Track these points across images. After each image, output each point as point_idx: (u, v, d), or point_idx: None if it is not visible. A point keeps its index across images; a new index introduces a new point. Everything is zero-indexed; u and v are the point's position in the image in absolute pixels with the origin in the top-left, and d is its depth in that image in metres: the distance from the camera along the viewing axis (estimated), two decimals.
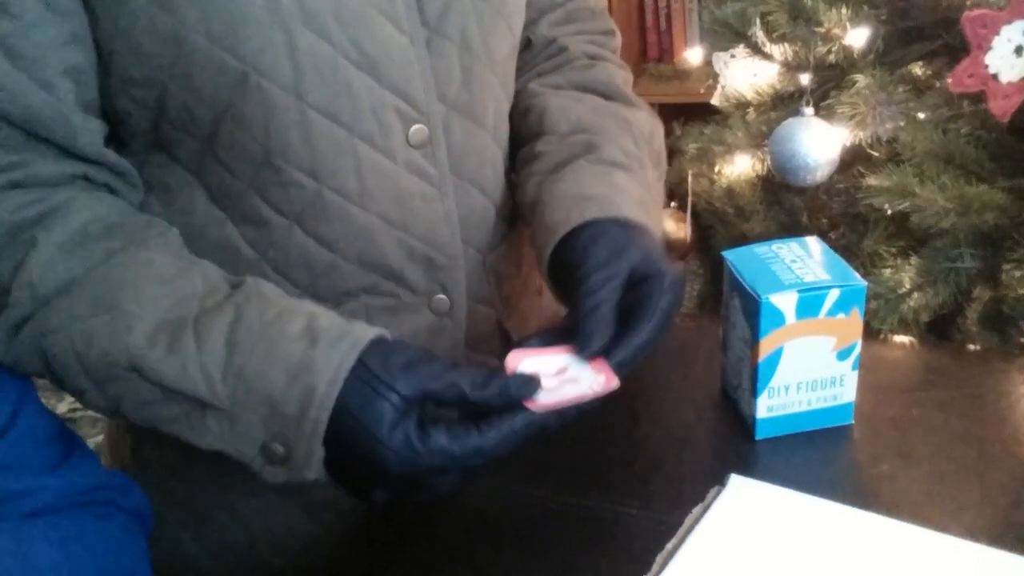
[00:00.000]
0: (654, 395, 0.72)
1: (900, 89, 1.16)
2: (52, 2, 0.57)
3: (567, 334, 0.60)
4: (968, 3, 1.09)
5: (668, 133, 1.47)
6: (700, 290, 1.64)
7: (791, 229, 1.31)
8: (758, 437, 0.65)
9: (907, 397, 0.69)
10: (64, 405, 1.92)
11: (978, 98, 1.08)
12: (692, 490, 0.59)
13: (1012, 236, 1.10)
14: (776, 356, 0.63)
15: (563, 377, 0.58)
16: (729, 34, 1.33)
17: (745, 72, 1.34)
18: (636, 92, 0.82)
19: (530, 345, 0.61)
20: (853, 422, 0.66)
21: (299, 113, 0.61)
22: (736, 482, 0.59)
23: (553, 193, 0.69)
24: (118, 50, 0.59)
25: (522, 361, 0.58)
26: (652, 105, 0.85)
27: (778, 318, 0.61)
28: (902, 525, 0.55)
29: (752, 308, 0.61)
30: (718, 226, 1.44)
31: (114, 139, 0.64)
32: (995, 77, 1.04)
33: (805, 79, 1.24)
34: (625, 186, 0.69)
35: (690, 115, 1.48)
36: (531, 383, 0.56)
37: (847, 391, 0.65)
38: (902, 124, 1.16)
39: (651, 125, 0.79)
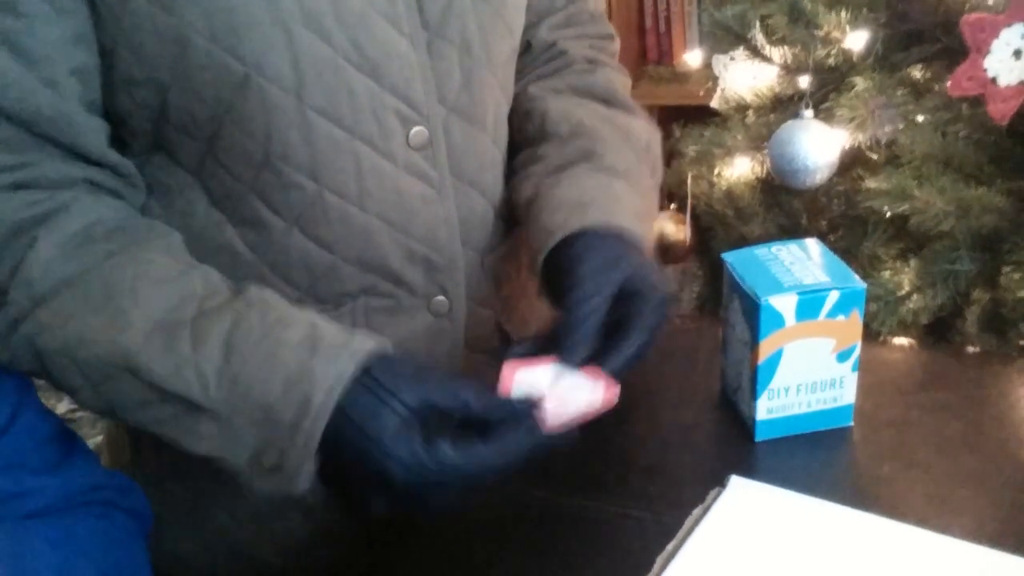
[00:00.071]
0: (654, 397, 0.72)
1: (899, 92, 1.16)
2: (57, 1, 0.57)
3: (555, 340, 0.61)
4: (967, 7, 1.09)
5: (668, 135, 1.48)
6: (699, 292, 1.64)
7: (791, 231, 1.31)
8: (758, 439, 0.65)
9: (906, 399, 0.69)
10: (64, 405, 1.92)
11: (977, 101, 1.08)
12: (692, 491, 0.59)
13: (1011, 239, 1.10)
14: (776, 358, 0.63)
15: (562, 389, 0.57)
16: (729, 37, 1.33)
17: (745, 75, 1.34)
18: (635, 94, 0.82)
19: (518, 352, 0.62)
20: (853, 424, 0.66)
21: (299, 114, 0.61)
22: (736, 483, 0.59)
23: (551, 196, 0.69)
24: (119, 50, 0.59)
25: (517, 372, 0.58)
26: (651, 107, 0.86)
27: (778, 320, 0.61)
28: (902, 526, 0.55)
29: (752, 310, 0.62)
30: (718, 228, 1.44)
31: (115, 140, 0.64)
32: (994, 80, 1.04)
33: (804, 82, 1.24)
34: (623, 196, 0.69)
35: (690, 117, 1.48)
36: (536, 399, 0.56)
37: (847, 393, 0.65)
38: (901, 127, 1.16)
39: (649, 133, 0.79)
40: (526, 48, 0.78)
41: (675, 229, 1.53)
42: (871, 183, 1.15)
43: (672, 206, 1.57)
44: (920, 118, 1.15)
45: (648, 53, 2.38)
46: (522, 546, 0.60)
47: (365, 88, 0.62)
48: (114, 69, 0.60)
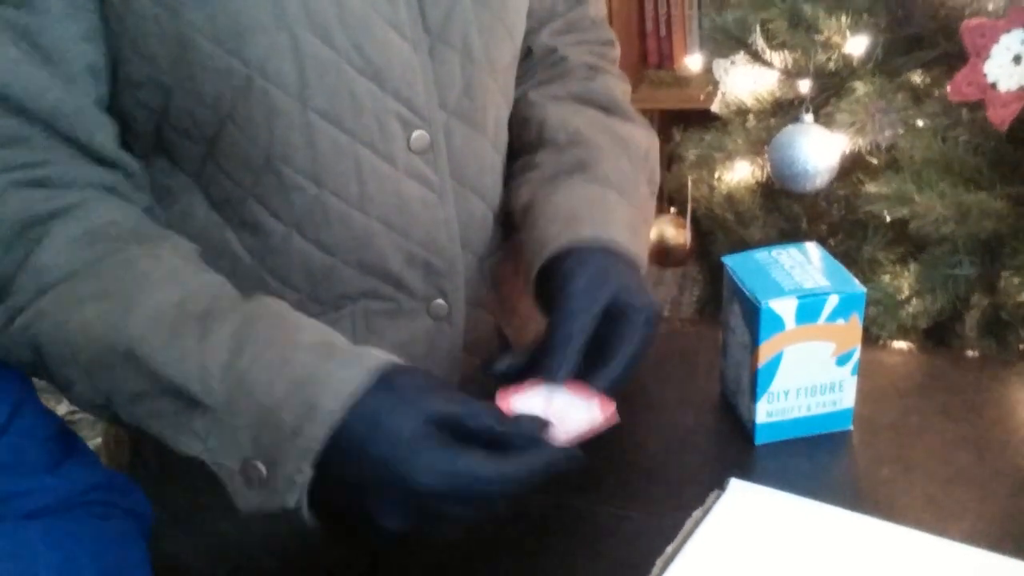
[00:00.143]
0: (654, 400, 0.72)
1: (899, 97, 1.16)
2: None
3: (538, 357, 0.62)
4: (967, 12, 1.09)
5: (668, 139, 1.48)
6: (700, 296, 1.64)
7: (791, 235, 1.32)
8: (758, 442, 0.65)
9: (906, 403, 0.69)
10: (64, 407, 1.92)
11: (977, 106, 1.08)
12: (692, 494, 0.60)
13: (1010, 243, 1.11)
14: (776, 361, 0.63)
15: (557, 409, 0.57)
16: (729, 41, 1.33)
17: (745, 79, 1.34)
18: (636, 98, 0.82)
19: (500, 368, 0.63)
20: (852, 427, 0.66)
21: (302, 117, 0.61)
22: (736, 486, 0.59)
23: (545, 207, 0.70)
24: (124, 51, 0.59)
25: (512, 399, 0.58)
26: (652, 111, 0.86)
27: (778, 324, 0.62)
28: (901, 529, 0.56)
29: (752, 313, 0.62)
30: (718, 232, 1.45)
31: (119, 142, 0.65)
32: (994, 86, 1.04)
33: (805, 86, 1.25)
34: (617, 209, 0.69)
35: (690, 121, 1.48)
36: (545, 423, 0.56)
37: (846, 396, 0.65)
38: (901, 132, 1.16)
39: (648, 141, 0.79)
40: (526, 54, 0.79)
41: (675, 233, 1.53)
42: (871, 187, 1.15)
43: (672, 210, 1.57)
44: (920, 123, 1.16)
45: (649, 57, 2.38)
46: (521, 548, 0.60)
47: (367, 92, 0.63)
48: (118, 70, 0.60)
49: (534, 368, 0.62)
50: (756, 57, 1.30)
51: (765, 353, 0.62)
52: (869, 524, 0.56)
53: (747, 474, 0.61)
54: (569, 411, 0.57)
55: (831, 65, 1.22)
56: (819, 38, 1.20)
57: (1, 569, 0.51)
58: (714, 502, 0.58)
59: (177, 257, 0.60)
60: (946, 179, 1.11)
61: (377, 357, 0.54)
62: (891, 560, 0.54)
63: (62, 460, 0.60)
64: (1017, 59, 1.03)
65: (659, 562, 0.54)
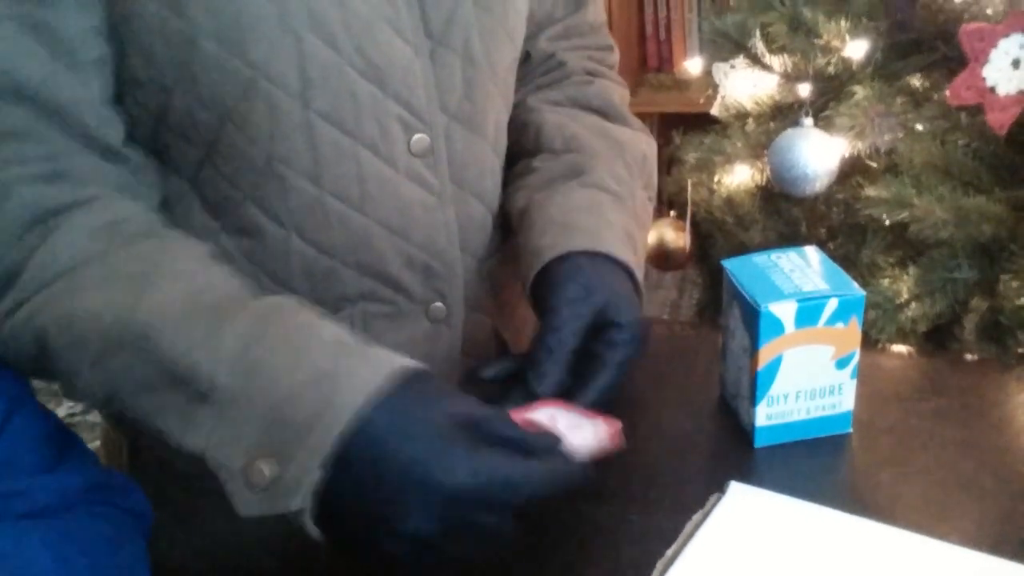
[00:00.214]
0: (654, 403, 0.72)
1: (898, 101, 1.16)
2: None
3: (526, 363, 0.62)
4: (966, 16, 1.10)
5: (668, 142, 1.48)
6: (699, 299, 1.64)
7: (790, 239, 1.32)
8: (757, 445, 0.66)
9: (905, 406, 0.69)
10: (63, 409, 1.92)
11: (976, 110, 1.08)
12: (691, 497, 0.60)
13: (1009, 247, 1.11)
14: (775, 365, 0.63)
15: (561, 430, 0.57)
16: (729, 45, 1.33)
17: (745, 83, 1.34)
18: (636, 102, 0.83)
19: (491, 372, 0.64)
20: (851, 430, 0.67)
21: (303, 119, 0.62)
22: (736, 489, 0.59)
23: (541, 214, 0.70)
24: (126, 51, 0.59)
25: (515, 418, 0.57)
26: (651, 115, 0.87)
27: (777, 327, 0.62)
28: (900, 532, 0.56)
29: (751, 317, 0.62)
30: (717, 235, 1.45)
31: None
32: (993, 90, 1.05)
33: (804, 90, 1.25)
34: (612, 215, 0.70)
35: (690, 125, 1.48)
36: (558, 437, 0.55)
37: (846, 400, 0.66)
38: (900, 135, 1.16)
39: (645, 145, 0.79)
40: (525, 58, 0.79)
41: (675, 236, 1.53)
42: (870, 191, 1.15)
43: (672, 213, 1.57)
44: (919, 127, 1.16)
45: (648, 60, 2.39)
46: (522, 552, 0.60)
47: (369, 94, 0.63)
48: (119, 69, 0.60)
49: (520, 377, 0.62)
50: (756, 61, 1.31)
51: (765, 356, 0.63)
52: (868, 527, 0.56)
53: (746, 477, 0.61)
54: (572, 432, 0.57)
55: (831, 69, 1.22)
56: (819, 42, 1.20)
57: None
58: (714, 505, 0.58)
59: (191, 251, 0.60)
60: (945, 183, 1.11)
61: (398, 357, 0.53)
62: (890, 563, 0.54)
63: (59, 459, 0.59)
64: (1016, 63, 1.04)
65: (659, 564, 0.54)
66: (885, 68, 1.20)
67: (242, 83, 0.60)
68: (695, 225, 1.49)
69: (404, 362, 0.52)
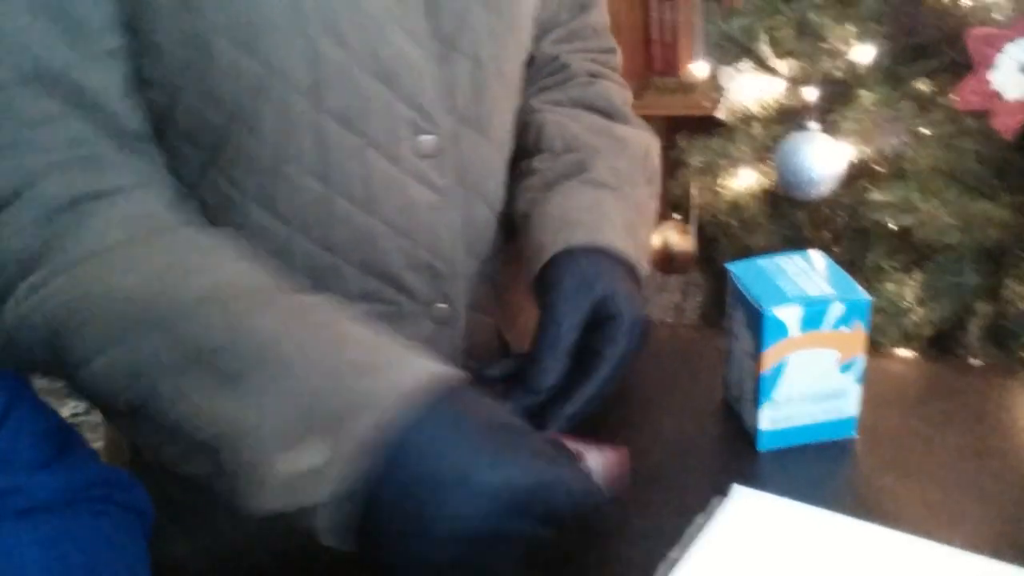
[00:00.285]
0: (657, 405, 0.72)
1: (905, 105, 1.17)
2: None
3: (527, 360, 0.62)
4: (973, 21, 1.10)
5: (673, 145, 1.48)
6: (702, 302, 1.65)
7: (795, 242, 1.32)
8: (761, 449, 0.65)
9: (909, 411, 0.69)
10: (67, 409, 1.92)
11: (983, 115, 1.08)
12: (694, 500, 0.60)
13: (1015, 252, 1.11)
14: (779, 368, 0.63)
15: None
16: (735, 48, 1.33)
17: (751, 86, 1.35)
18: (641, 104, 0.83)
19: (494, 372, 0.64)
20: (856, 435, 0.66)
21: (314, 118, 0.62)
22: (739, 492, 0.59)
23: (542, 213, 0.70)
24: (138, 49, 0.59)
25: None
26: (657, 117, 0.87)
27: (782, 331, 0.62)
28: (904, 537, 0.56)
29: (756, 320, 0.62)
30: (722, 239, 1.45)
31: None
32: (999, 95, 1.05)
33: (810, 94, 1.25)
34: (611, 210, 0.70)
35: (695, 128, 1.48)
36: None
37: (850, 404, 0.65)
38: (906, 140, 1.16)
39: (647, 143, 0.80)
40: (529, 61, 0.79)
41: (679, 239, 1.54)
42: (876, 195, 1.15)
43: (677, 216, 1.57)
44: (925, 131, 1.16)
45: (654, 64, 2.39)
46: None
47: (379, 95, 0.63)
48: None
49: (522, 376, 0.62)
50: (762, 65, 1.31)
51: (769, 360, 0.62)
52: (872, 531, 0.56)
53: (750, 481, 0.61)
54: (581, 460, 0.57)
55: (837, 73, 1.22)
56: (825, 46, 1.20)
57: None
58: (717, 508, 0.58)
59: (222, 244, 0.59)
60: (951, 188, 1.11)
61: (437, 361, 0.52)
62: (894, 567, 0.54)
63: (58, 456, 0.59)
64: (1023, 68, 1.04)
65: (662, 567, 0.54)
66: (891, 72, 1.20)
67: (253, 82, 0.60)
68: (700, 228, 1.50)
69: (444, 366, 0.52)
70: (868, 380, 0.65)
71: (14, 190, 0.56)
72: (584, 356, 0.63)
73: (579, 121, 0.78)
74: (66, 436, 0.61)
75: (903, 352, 1.12)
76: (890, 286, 1.16)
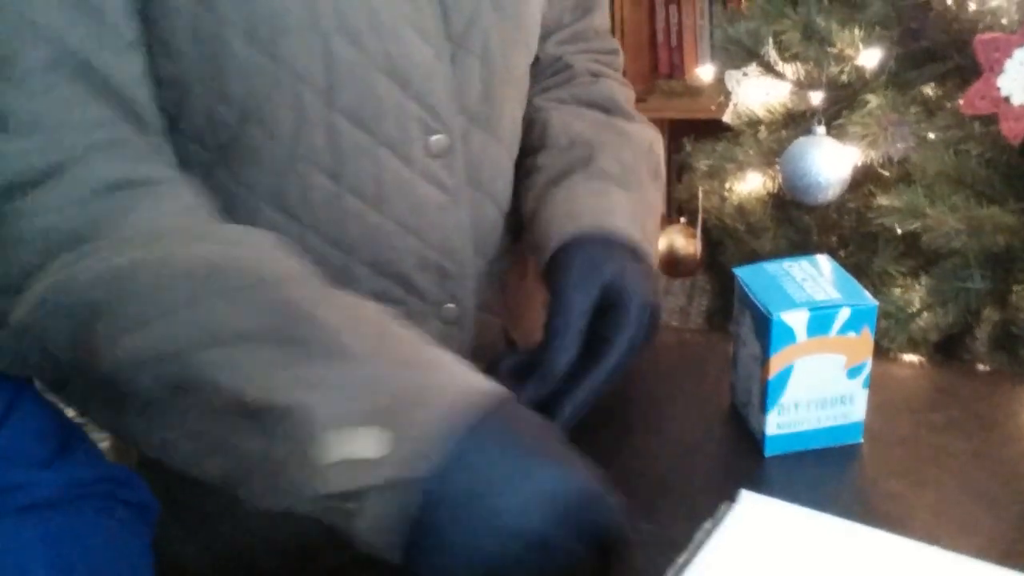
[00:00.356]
0: (663, 410, 0.72)
1: (912, 110, 1.16)
2: None
3: (540, 347, 0.63)
4: (981, 26, 1.09)
5: (678, 149, 1.48)
6: (708, 306, 1.64)
7: (801, 247, 1.32)
8: (767, 454, 0.65)
9: (916, 417, 0.69)
10: (72, 410, 1.92)
11: (990, 120, 1.08)
12: (701, 506, 0.59)
13: (1022, 257, 1.10)
14: (786, 373, 0.63)
15: None
16: (741, 52, 1.33)
17: (757, 90, 1.34)
18: (647, 108, 0.84)
19: (507, 365, 0.64)
20: (862, 441, 0.66)
21: (327, 117, 0.62)
22: (747, 498, 0.59)
23: (547, 207, 0.71)
24: (152, 46, 0.59)
25: None
26: (662, 121, 0.88)
27: (789, 336, 0.62)
28: (911, 543, 0.55)
29: (763, 325, 0.62)
30: (728, 243, 1.45)
31: None
32: (1007, 100, 1.04)
33: (817, 98, 1.25)
34: (617, 199, 0.71)
35: (701, 132, 1.48)
36: None
37: (857, 409, 0.65)
38: (913, 144, 1.16)
39: (651, 138, 0.80)
40: (533, 61, 0.80)
41: (685, 243, 1.53)
42: (883, 200, 1.15)
43: (683, 220, 1.57)
44: (932, 136, 1.16)
45: (659, 67, 2.39)
46: None
47: (391, 95, 0.64)
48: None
49: (537, 362, 0.63)
50: (768, 68, 1.31)
51: (776, 365, 0.62)
52: (879, 537, 0.56)
53: (756, 486, 0.61)
54: None
55: (844, 77, 1.22)
56: (832, 50, 1.20)
57: None
58: (725, 513, 0.58)
59: (271, 236, 0.58)
60: (958, 192, 1.11)
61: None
62: (901, 574, 0.53)
63: (61, 453, 0.59)
64: None
65: (670, 573, 0.54)
66: (898, 77, 1.20)
67: (268, 80, 0.60)
68: (706, 232, 1.49)
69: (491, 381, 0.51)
70: (875, 385, 0.65)
71: (49, 168, 0.54)
72: (593, 344, 0.63)
73: (583, 118, 0.79)
74: (69, 433, 0.61)
75: (910, 357, 1.11)
76: (897, 291, 1.15)
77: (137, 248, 0.53)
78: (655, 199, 0.77)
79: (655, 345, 0.71)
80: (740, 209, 1.40)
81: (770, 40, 1.27)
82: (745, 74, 1.35)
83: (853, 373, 0.64)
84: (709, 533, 0.57)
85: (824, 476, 0.64)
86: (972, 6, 1.10)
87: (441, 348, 0.53)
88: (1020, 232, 1.09)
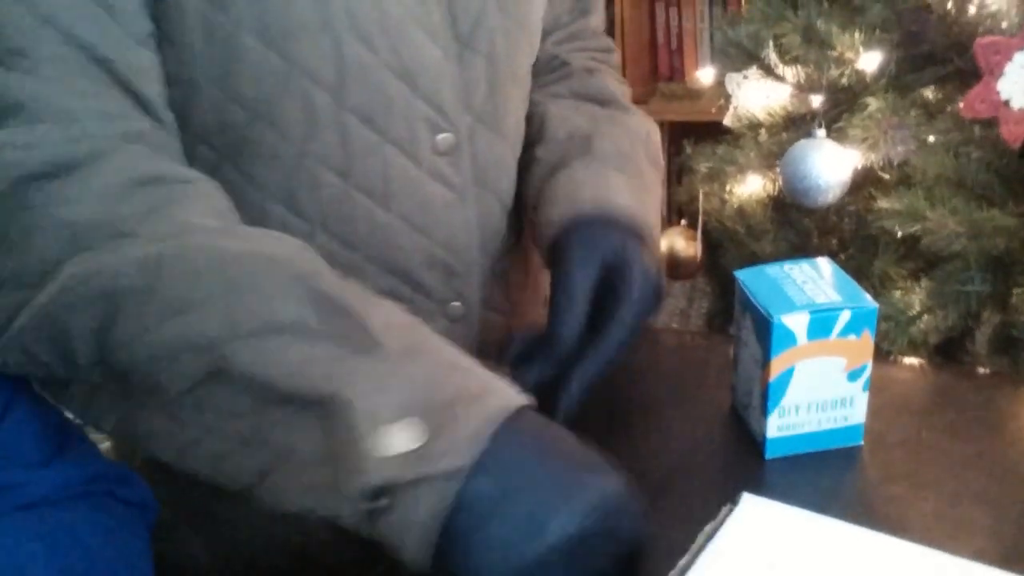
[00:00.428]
0: (664, 412, 0.72)
1: (912, 113, 1.17)
2: None
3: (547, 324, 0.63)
4: (981, 29, 1.10)
5: (679, 152, 1.49)
6: (708, 308, 1.65)
7: (801, 250, 1.32)
8: (768, 456, 0.65)
9: (916, 419, 0.69)
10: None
11: (990, 123, 1.08)
12: (701, 508, 0.59)
13: (1022, 260, 1.11)
14: (787, 376, 0.63)
15: None
16: (742, 55, 1.34)
17: (757, 93, 1.35)
18: (647, 110, 0.86)
19: (518, 346, 0.64)
20: (863, 443, 0.66)
21: (337, 115, 0.63)
22: (749, 500, 0.59)
23: (547, 196, 0.72)
24: (163, 46, 0.59)
25: None
26: (663, 123, 0.89)
27: (790, 338, 0.62)
28: (912, 546, 0.55)
29: (764, 328, 0.62)
30: (728, 245, 1.45)
31: None
32: (1007, 103, 1.05)
33: (817, 101, 1.25)
34: (616, 181, 0.72)
35: (701, 134, 1.49)
36: None
37: (857, 412, 0.65)
38: (913, 148, 1.16)
39: (646, 127, 0.82)
40: None
41: (686, 245, 1.54)
42: (883, 203, 1.15)
43: (683, 222, 1.57)
44: (932, 139, 1.16)
45: (660, 69, 2.39)
46: None
47: (400, 94, 0.64)
48: None
49: (545, 339, 0.63)
50: (769, 71, 1.31)
51: (776, 368, 0.62)
52: (880, 540, 0.56)
53: (757, 488, 0.61)
54: None
55: (844, 80, 1.22)
56: (832, 53, 1.20)
57: None
58: (726, 516, 0.58)
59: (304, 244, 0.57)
60: (958, 195, 1.11)
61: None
62: None
63: (58, 452, 0.59)
64: None
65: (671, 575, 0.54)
66: (899, 80, 1.20)
67: (280, 80, 0.60)
68: (706, 235, 1.50)
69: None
70: (875, 388, 0.65)
71: (77, 158, 0.53)
72: (599, 323, 0.64)
73: (580, 111, 0.80)
74: (67, 433, 0.61)
75: (910, 360, 1.12)
76: (897, 294, 1.16)
77: (170, 240, 0.52)
78: (654, 183, 0.78)
79: (655, 347, 0.71)
80: (740, 212, 1.41)
81: (770, 43, 1.28)
82: (745, 77, 1.35)
83: (853, 376, 0.64)
84: (710, 536, 0.57)
85: (825, 479, 0.64)
86: (972, 10, 1.11)
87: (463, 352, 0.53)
88: (1020, 235, 1.09)
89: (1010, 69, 1.03)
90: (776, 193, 1.36)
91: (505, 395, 0.49)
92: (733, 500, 0.59)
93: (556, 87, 0.83)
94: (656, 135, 0.82)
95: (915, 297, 1.15)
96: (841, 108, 1.24)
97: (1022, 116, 1.04)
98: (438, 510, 0.45)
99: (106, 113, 0.54)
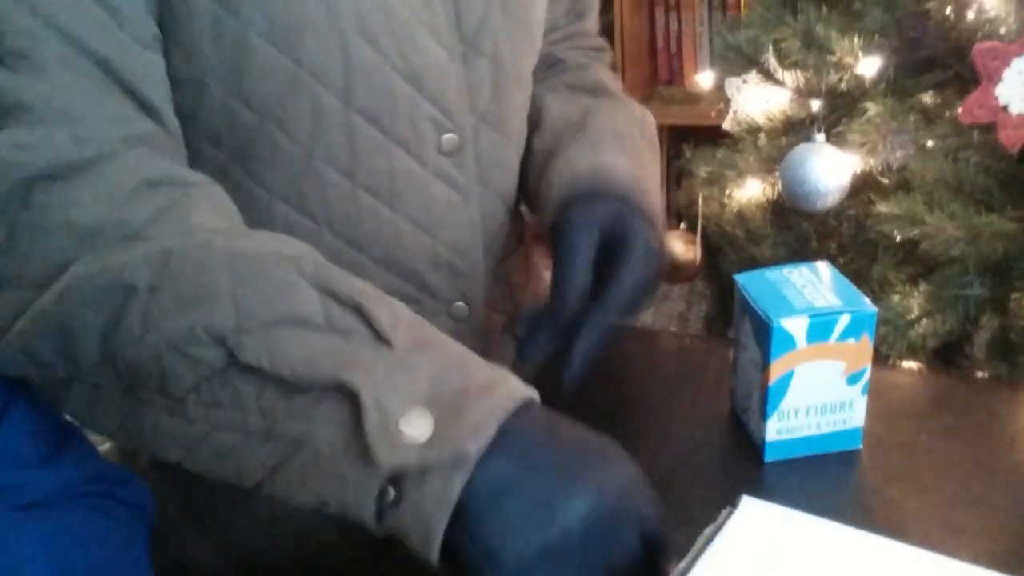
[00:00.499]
0: (663, 416, 0.72)
1: (911, 118, 1.17)
2: None
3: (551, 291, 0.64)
4: (979, 35, 1.10)
5: (678, 155, 1.49)
6: (707, 312, 1.64)
7: (801, 254, 1.32)
8: (767, 460, 0.66)
9: (915, 423, 0.69)
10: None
11: (988, 128, 1.09)
12: (701, 511, 0.60)
13: (1021, 265, 1.11)
14: (786, 380, 0.63)
15: None
16: (741, 60, 1.34)
17: (757, 98, 1.35)
18: None
19: (524, 317, 0.65)
20: (862, 447, 0.67)
21: (344, 115, 0.63)
22: (748, 503, 0.59)
23: (546, 179, 0.73)
24: (170, 47, 0.59)
25: None
26: (663, 127, 0.89)
27: (789, 342, 0.62)
28: (910, 549, 0.56)
29: (763, 332, 0.62)
30: (728, 249, 1.45)
31: None
32: (1005, 108, 1.05)
33: (816, 106, 1.25)
34: (613, 157, 0.72)
35: (701, 138, 1.49)
36: None
37: (856, 415, 0.66)
38: (912, 152, 1.17)
39: (641, 112, 0.83)
40: None
41: (685, 249, 1.54)
42: (882, 207, 1.15)
43: (682, 226, 1.58)
44: (931, 144, 1.16)
45: (659, 73, 2.39)
46: None
47: (406, 94, 0.65)
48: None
49: (550, 307, 0.64)
50: (768, 76, 1.31)
51: (776, 371, 0.63)
52: (879, 543, 0.56)
53: (756, 491, 0.61)
54: None
55: (843, 85, 1.23)
56: (831, 58, 1.20)
57: None
58: (726, 519, 0.58)
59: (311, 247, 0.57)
60: (957, 200, 1.11)
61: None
62: None
63: (57, 453, 0.59)
64: None
65: None
66: (897, 85, 1.21)
67: (289, 80, 0.61)
68: (705, 238, 1.50)
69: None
70: (874, 391, 0.65)
71: (83, 160, 0.52)
72: (601, 288, 0.64)
73: (574, 101, 0.81)
74: (66, 433, 0.61)
75: (909, 364, 1.12)
76: (896, 298, 1.16)
77: (178, 237, 0.52)
78: (651, 161, 0.78)
79: (655, 350, 0.71)
80: (740, 216, 1.41)
81: (770, 48, 1.28)
82: (745, 81, 1.35)
83: (852, 379, 0.64)
84: (709, 538, 0.57)
85: (824, 482, 0.64)
86: (971, 15, 1.11)
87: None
88: (1018, 239, 1.10)
89: (1008, 75, 1.03)
90: (775, 197, 1.36)
91: (514, 387, 0.49)
92: (732, 503, 0.59)
93: (551, 80, 0.84)
94: (651, 121, 0.83)
95: (914, 301, 1.15)
96: (840, 113, 1.25)
97: (1020, 121, 1.04)
98: (447, 499, 0.45)
99: (109, 116, 0.54)
